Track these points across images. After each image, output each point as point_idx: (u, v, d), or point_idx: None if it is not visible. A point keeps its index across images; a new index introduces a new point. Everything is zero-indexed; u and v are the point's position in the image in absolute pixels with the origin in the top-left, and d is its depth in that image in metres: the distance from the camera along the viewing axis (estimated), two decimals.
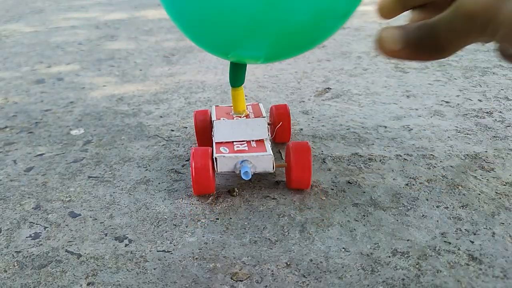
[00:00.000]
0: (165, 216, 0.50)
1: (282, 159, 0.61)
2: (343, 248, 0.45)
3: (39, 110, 0.79)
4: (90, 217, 0.50)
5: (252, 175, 0.49)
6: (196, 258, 0.43)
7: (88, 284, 0.40)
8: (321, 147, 0.65)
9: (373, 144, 0.65)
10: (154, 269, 0.42)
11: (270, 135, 0.53)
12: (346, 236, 0.46)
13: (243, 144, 0.51)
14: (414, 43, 0.26)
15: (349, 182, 0.56)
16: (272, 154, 0.49)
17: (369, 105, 0.79)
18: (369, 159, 0.61)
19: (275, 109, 0.61)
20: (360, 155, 0.62)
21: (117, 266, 0.42)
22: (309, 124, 0.72)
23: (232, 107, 0.57)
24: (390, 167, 0.59)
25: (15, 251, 0.45)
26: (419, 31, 0.25)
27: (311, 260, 0.43)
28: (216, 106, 0.60)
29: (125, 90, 0.89)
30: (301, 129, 0.70)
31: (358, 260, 0.43)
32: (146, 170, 0.59)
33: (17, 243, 0.46)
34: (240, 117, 0.55)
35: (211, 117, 0.58)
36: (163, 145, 0.66)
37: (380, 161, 0.61)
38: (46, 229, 0.48)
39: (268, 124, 0.56)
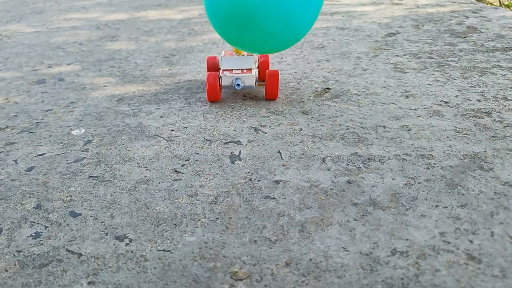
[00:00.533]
0: (165, 216, 0.50)
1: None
2: (343, 247, 0.45)
3: (40, 110, 0.80)
4: (91, 216, 0.50)
5: (241, 87, 0.79)
6: (196, 258, 0.43)
7: (89, 283, 0.41)
8: (321, 147, 0.65)
9: (372, 144, 0.65)
10: (155, 268, 0.42)
11: (256, 66, 0.87)
12: (346, 235, 0.47)
13: (238, 70, 0.81)
14: None
15: (348, 182, 0.56)
16: (255, 75, 0.81)
17: (368, 105, 0.80)
18: (368, 159, 0.61)
19: (259, 56, 0.92)
20: (360, 155, 0.62)
21: (117, 266, 0.43)
22: (308, 124, 0.72)
23: (234, 52, 0.85)
24: (389, 167, 0.59)
25: (16, 251, 0.45)
26: None
27: (310, 260, 0.43)
28: (224, 51, 0.87)
29: (126, 90, 0.89)
30: (301, 129, 0.70)
31: (358, 259, 0.43)
32: (147, 170, 0.59)
33: (18, 243, 0.46)
34: (238, 55, 0.82)
35: (219, 60, 0.88)
36: (163, 145, 0.66)
37: (379, 161, 0.61)
38: (47, 228, 0.48)
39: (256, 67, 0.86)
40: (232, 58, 0.81)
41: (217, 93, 0.79)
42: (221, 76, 0.79)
